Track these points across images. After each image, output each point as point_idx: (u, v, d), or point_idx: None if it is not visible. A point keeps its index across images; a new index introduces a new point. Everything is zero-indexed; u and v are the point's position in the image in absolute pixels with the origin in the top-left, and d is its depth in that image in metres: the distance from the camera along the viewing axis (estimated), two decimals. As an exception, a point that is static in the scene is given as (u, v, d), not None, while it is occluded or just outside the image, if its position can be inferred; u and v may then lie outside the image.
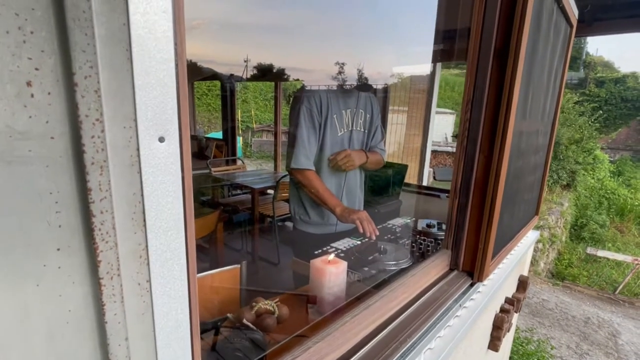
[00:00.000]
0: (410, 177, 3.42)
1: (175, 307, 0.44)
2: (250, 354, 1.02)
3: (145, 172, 0.38)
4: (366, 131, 1.86)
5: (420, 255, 1.71)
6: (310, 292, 1.28)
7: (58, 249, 0.34)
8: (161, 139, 0.38)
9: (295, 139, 1.67)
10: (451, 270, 1.46)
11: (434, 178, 2.48)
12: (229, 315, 1.22)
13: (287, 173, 2.24)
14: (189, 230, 0.45)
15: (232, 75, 5.81)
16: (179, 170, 0.41)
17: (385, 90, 3.18)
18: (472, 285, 1.43)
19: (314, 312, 1.25)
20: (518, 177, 1.63)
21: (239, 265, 1.62)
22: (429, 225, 1.93)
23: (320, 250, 1.57)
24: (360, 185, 1.95)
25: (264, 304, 1.23)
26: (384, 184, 2.52)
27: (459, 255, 1.45)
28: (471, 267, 1.44)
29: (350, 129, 1.78)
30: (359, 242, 1.69)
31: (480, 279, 1.42)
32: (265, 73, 6.16)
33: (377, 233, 1.61)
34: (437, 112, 3.74)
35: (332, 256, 1.29)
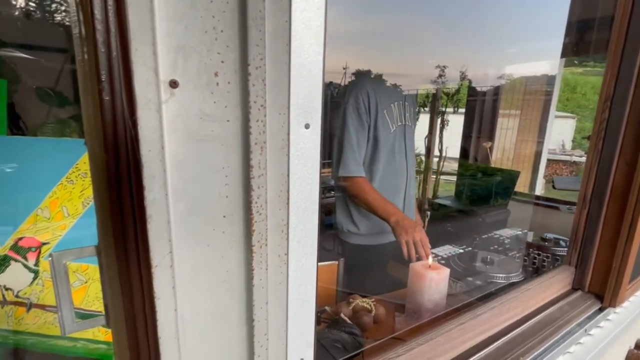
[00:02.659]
0: (520, 186, 3.12)
1: (305, 282, 0.48)
2: (348, 346, 1.04)
3: (292, 155, 0.42)
4: (413, 126, 1.70)
5: (533, 270, 1.54)
6: (407, 297, 1.25)
7: (224, 216, 0.40)
8: (307, 126, 0.42)
9: (343, 143, 1.52)
10: (574, 290, 1.29)
11: (553, 187, 2.22)
12: (327, 307, 1.26)
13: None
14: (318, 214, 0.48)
15: (331, 82, 5.98)
16: (318, 155, 0.44)
17: (496, 92, 2.94)
18: (601, 309, 1.24)
19: (401, 322, 1.20)
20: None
21: (337, 262, 1.67)
22: (544, 239, 1.73)
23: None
24: (415, 193, 1.81)
25: (362, 302, 1.24)
26: (489, 191, 2.33)
27: (584, 274, 1.26)
28: (601, 289, 1.24)
29: (400, 123, 1.61)
30: (461, 251, 1.60)
31: (612, 304, 1.22)
32: (362, 79, 6.18)
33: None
34: (555, 116, 3.33)
35: (430, 260, 1.24)
